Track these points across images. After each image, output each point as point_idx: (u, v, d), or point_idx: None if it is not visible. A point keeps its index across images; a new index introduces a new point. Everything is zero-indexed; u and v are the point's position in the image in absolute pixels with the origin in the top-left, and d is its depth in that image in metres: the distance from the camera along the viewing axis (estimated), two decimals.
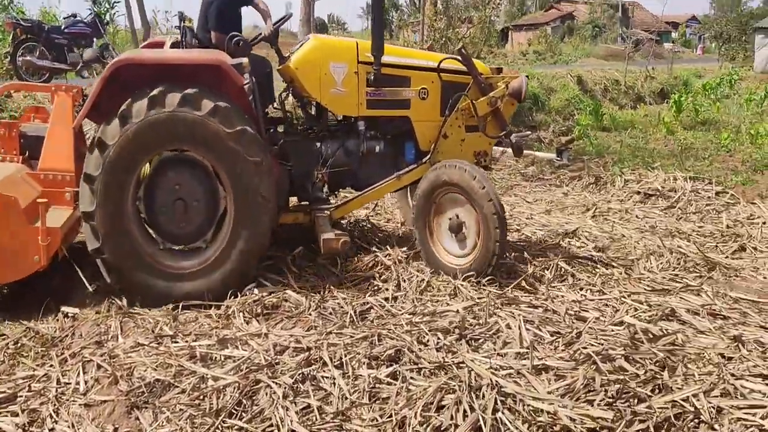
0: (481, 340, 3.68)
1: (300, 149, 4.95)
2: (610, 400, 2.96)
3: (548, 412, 2.85)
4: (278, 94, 5.24)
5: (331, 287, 4.45)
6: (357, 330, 3.82)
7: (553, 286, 4.49)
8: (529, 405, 2.92)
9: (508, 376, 3.17)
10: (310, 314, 4.09)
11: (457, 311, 3.97)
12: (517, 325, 3.75)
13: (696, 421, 2.84)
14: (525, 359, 3.35)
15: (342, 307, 4.14)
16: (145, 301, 4.23)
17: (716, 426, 2.81)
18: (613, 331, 3.74)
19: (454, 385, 3.07)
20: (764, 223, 6.35)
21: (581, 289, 4.49)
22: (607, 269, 4.89)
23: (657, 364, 3.28)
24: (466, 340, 3.64)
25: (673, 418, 2.83)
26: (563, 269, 4.74)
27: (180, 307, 4.18)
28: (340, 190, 5.26)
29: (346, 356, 3.45)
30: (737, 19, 32.75)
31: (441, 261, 4.61)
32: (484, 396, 2.97)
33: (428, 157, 4.92)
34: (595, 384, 3.06)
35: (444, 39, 13.58)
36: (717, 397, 3.01)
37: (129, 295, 4.25)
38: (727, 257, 5.41)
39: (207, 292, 4.22)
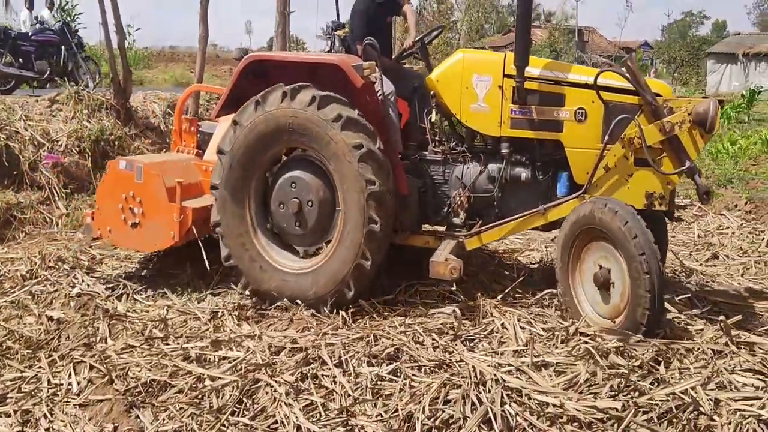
0: (476, 340, 3.70)
1: (437, 169, 4.57)
2: (613, 393, 3.01)
3: (555, 405, 2.88)
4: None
5: None
6: (351, 331, 3.81)
7: (540, 289, 4.49)
8: (534, 399, 2.94)
9: (509, 373, 3.18)
10: (302, 316, 4.06)
11: (453, 311, 3.99)
12: (512, 324, 3.77)
13: (696, 412, 2.91)
14: (524, 356, 3.37)
15: (334, 309, 4.11)
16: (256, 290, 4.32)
17: (716, 417, 2.88)
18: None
19: (459, 381, 3.08)
20: (733, 232, 6.58)
21: None
22: None
23: (652, 359, 3.34)
24: (461, 341, 3.65)
25: (674, 410, 2.90)
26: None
27: (167, 310, 4.12)
28: (479, 218, 4.49)
29: (345, 355, 3.43)
30: (689, 44, 34.07)
31: (581, 314, 3.83)
32: (490, 390, 2.98)
33: (582, 191, 4.11)
34: (596, 378, 3.11)
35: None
36: (714, 390, 3.08)
37: (238, 277, 4.36)
38: (701, 264, 5.58)
39: (312, 295, 4.18)
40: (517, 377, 3.14)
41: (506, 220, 4.35)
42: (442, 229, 4.62)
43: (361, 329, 3.82)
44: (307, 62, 4.42)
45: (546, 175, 4.39)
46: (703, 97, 4.26)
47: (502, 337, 3.71)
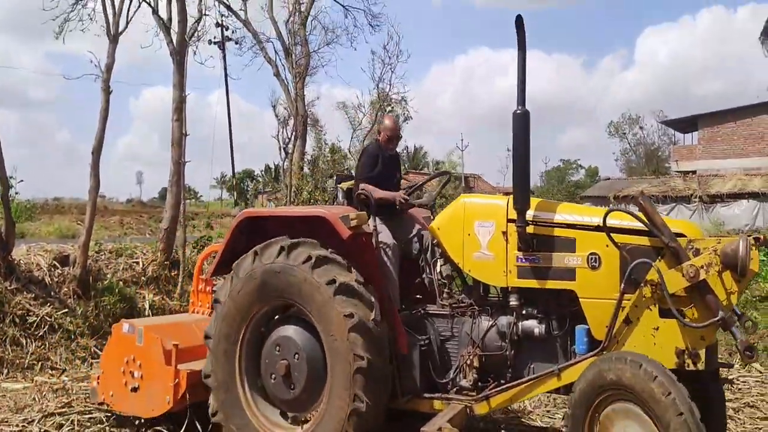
0: None
1: (443, 325, 4.19)
2: None
3: None
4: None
5: None
6: None
7: None
8: None
9: None
10: None
11: None
12: None
13: None
14: None
15: None
16: None
17: None
18: None
19: None
20: None
21: None
22: None
23: None
24: None
25: None
26: None
27: None
28: (491, 379, 4.02)
29: None
30: (566, 189, 34.47)
31: None
32: None
33: (601, 347, 3.56)
34: None
35: (312, 200, 14.06)
36: None
37: None
38: None
39: None
40: None
41: (517, 382, 3.80)
42: (451, 391, 4.06)
43: None
44: (295, 216, 4.27)
45: (561, 329, 3.84)
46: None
47: None
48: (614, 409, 3.20)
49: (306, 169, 16.51)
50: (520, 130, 3.67)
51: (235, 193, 24.33)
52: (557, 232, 3.81)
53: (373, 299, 3.86)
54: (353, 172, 5.16)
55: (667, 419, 2.93)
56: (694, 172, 33.39)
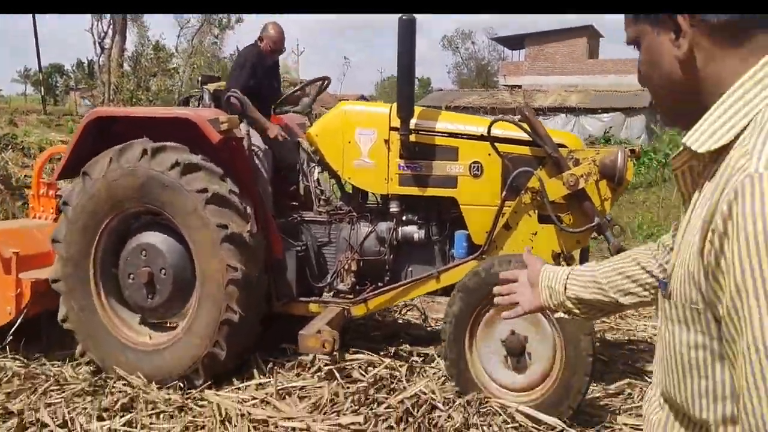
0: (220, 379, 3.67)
1: (321, 231, 4.14)
2: (355, 407, 3.28)
3: (301, 429, 3.08)
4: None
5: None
6: (76, 387, 3.51)
7: None
8: (281, 426, 3.10)
9: (253, 406, 3.31)
10: (12, 380, 3.60)
11: None
12: (254, 357, 3.85)
13: (430, 406, 3.26)
14: (268, 387, 3.55)
15: (51, 370, 3.79)
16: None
17: (448, 410, 3.22)
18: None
19: (202, 421, 3.13)
20: None
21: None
22: None
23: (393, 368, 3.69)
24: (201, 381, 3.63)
25: (410, 409, 3.23)
26: None
27: None
28: (370, 284, 4.05)
29: (70, 413, 3.18)
30: None
31: (485, 392, 3.39)
32: (236, 425, 3.07)
33: (480, 251, 3.68)
34: (339, 397, 3.36)
35: (135, 99, 14.01)
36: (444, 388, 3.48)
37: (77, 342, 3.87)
38: None
39: (161, 375, 3.64)
40: (262, 408, 3.28)
41: (397, 285, 3.87)
42: (328, 295, 4.10)
43: (86, 382, 3.57)
44: (157, 117, 3.86)
45: (441, 235, 3.95)
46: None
47: (244, 372, 3.76)
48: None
49: (127, 67, 15.33)
50: (405, 37, 3.55)
51: (42, 89, 21.75)
52: (440, 140, 3.82)
53: (248, 209, 3.70)
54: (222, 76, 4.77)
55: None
56: (520, 86, 35.54)
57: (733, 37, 0.90)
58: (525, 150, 3.67)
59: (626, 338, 4.96)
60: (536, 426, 3.21)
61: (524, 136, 3.63)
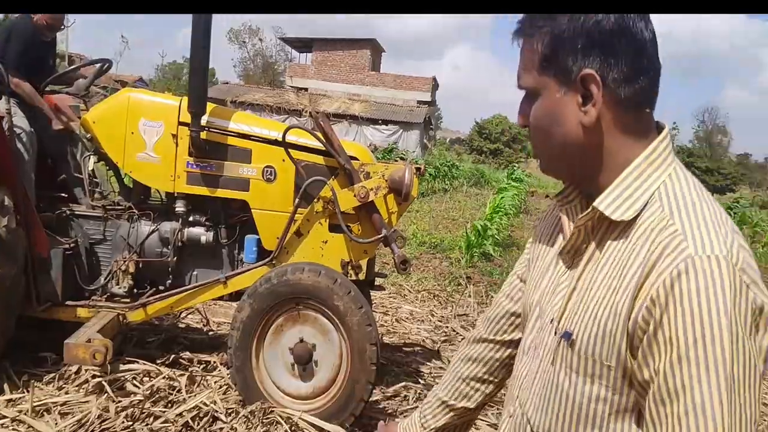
0: None
1: (94, 228, 3.73)
2: (129, 423, 3.05)
3: None
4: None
5: None
6: None
7: None
8: None
9: (2, 426, 3.01)
10: None
11: None
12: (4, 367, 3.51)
13: (212, 418, 3.18)
14: (21, 403, 3.21)
15: None
16: None
17: (231, 421, 3.15)
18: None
19: None
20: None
21: None
22: None
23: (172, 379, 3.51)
24: None
25: (191, 422, 3.12)
26: None
27: None
28: (151, 287, 3.78)
29: None
30: (183, 86, 37.99)
31: (270, 401, 3.31)
32: None
33: (270, 258, 3.59)
34: (110, 413, 3.10)
35: None
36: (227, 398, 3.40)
37: None
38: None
39: None
40: (14, 429, 2.97)
41: (180, 289, 3.65)
42: (101, 299, 3.73)
43: None
44: None
45: (230, 238, 3.80)
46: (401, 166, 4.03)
47: None
48: (290, 314, 3.35)
49: None
50: (199, 30, 3.38)
51: None
52: (233, 141, 3.68)
53: (5, 201, 3.24)
54: None
55: (351, 314, 3.21)
56: (306, 89, 36.05)
57: (632, 115, 0.98)
58: (319, 159, 3.68)
59: (402, 341, 5.24)
60: None
61: (319, 145, 3.64)
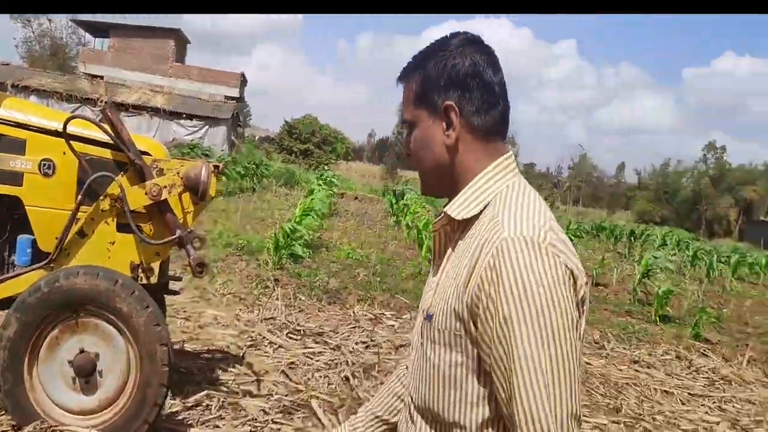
0: None
1: None
2: None
3: None
4: None
5: None
6: None
7: None
8: None
9: None
10: None
11: None
12: None
13: None
14: None
15: None
16: None
17: None
18: None
19: None
20: None
21: None
22: None
23: None
24: None
25: None
26: None
27: None
28: None
29: None
30: None
31: (49, 421, 2.95)
32: None
33: (48, 260, 3.19)
34: None
35: None
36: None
37: None
38: None
39: None
40: None
41: None
42: None
43: None
44: None
45: (0, 239, 3.35)
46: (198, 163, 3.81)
47: None
48: (68, 324, 3.03)
49: None
50: None
51: None
52: (4, 130, 3.22)
53: None
54: None
55: (136, 315, 2.99)
56: (101, 77, 33.28)
57: (483, 139, 1.23)
58: (106, 153, 3.34)
59: (205, 348, 4.97)
60: None
61: (106, 137, 3.31)
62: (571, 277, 1.08)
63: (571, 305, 1.07)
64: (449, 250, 1.25)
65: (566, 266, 1.08)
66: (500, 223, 1.12)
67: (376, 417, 1.57)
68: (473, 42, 1.24)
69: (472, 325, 1.12)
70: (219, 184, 3.57)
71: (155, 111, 29.54)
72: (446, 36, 1.26)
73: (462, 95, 1.21)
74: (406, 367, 1.53)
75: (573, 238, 16.40)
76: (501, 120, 1.24)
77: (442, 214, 1.24)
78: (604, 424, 4.68)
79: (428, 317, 1.22)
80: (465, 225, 1.22)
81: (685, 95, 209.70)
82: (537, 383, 1.03)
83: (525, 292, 1.04)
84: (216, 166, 3.50)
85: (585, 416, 4.70)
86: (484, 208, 1.20)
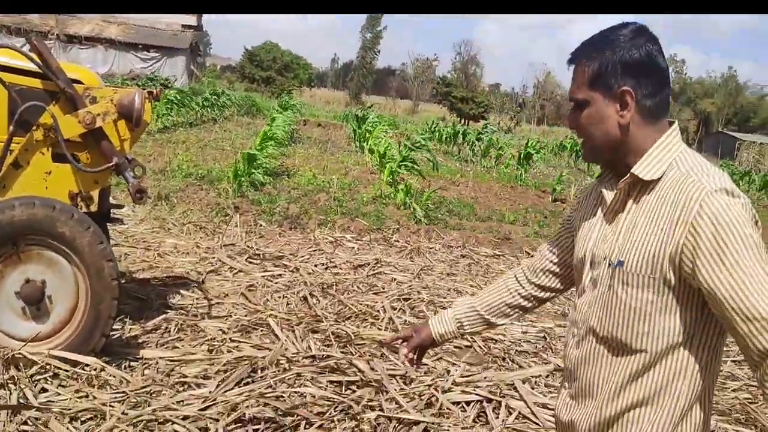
0: None
1: None
2: None
3: None
4: None
5: None
6: None
7: None
8: None
9: None
10: None
11: None
12: None
13: None
14: None
15: None
16: None
17: None
18: None
19: None
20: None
21: None
22: None
23: None
24: None
25: None
26: None
27: None
28: None
29: None
30: None
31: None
32: None
33: None
34: None
35: None
36: None
37: None
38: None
39: None
40: None
41: None
42: None
43: None
44: None
45: None
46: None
47: None
48: (7, 259, 3.08)
49: None
50: None
51: None
52: None
53: None
54: None
55: (79, 237, 3.07)
56: None
57: (652, 117, 1.44)
58: (36, 83, 3.30)
59: (164, 275, 5.05)
60: (75, 369, 3.10)
61: (34, 67, 3.26)
62: (754, 217, 1.35)
63: (758, 234, 1.33)
64: (629, 204, 1.46)
65: (751, 208, 1.35)
66: (697, 181, 1.35)
67: (478, 313, 1.81)
68: (644, 32, 1.43)
69: (669, 270, 1.36)
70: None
71: (110, 42, 28.47)
72: (617, 25, 1.45)
73: (638, 81, 1.40)
74: (515, 278, 1.81)
75: (535, 155, 16.55)
76: (666, 100, 1.45)
77: (629, 174, 1.44)
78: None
79: (619, 264, 1.43)
80: (647, 184, 1.43)
81: None
82: (758, 284, 1.29)
83: (735, 228, 1.30)
84: (150, 92, 3.49)
85: None
86: (665, 171, 1.42)
